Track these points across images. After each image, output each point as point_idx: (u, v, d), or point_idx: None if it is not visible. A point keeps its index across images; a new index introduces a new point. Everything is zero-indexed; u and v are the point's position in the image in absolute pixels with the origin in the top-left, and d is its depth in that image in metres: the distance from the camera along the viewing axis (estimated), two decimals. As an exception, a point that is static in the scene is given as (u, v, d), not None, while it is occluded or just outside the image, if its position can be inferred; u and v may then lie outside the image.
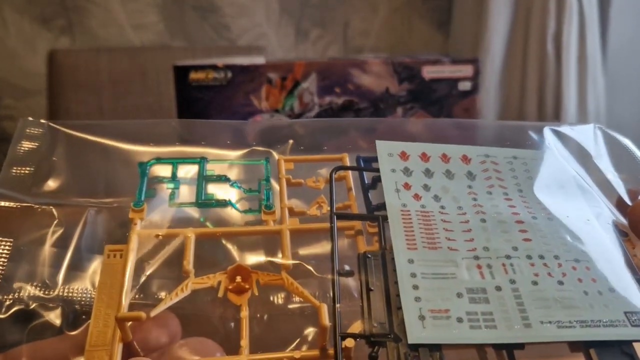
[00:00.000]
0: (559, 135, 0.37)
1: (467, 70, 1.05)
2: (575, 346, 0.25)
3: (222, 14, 1.56)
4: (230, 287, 0.29)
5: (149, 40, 1.56)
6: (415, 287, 0.26)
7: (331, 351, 0.26)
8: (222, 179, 0.33)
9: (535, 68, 1.34)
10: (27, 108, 1.54)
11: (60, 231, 0.30)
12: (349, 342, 0.26)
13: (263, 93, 1.00)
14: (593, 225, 0.31)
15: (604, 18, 1.29)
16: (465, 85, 1.05)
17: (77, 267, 0.29)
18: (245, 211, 0.32)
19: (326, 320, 0.25)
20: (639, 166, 0.36)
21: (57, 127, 0.33)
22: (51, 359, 0.26)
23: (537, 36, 1.30)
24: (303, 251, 0.30)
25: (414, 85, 1.04)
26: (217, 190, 0.33)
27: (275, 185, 0.33)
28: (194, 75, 0.99)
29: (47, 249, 0.30)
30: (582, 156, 0.36)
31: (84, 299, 0.29)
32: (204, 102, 0.99)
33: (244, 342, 0.27)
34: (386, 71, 1.04)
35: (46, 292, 0.29)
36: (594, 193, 0.33)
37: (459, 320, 0.25)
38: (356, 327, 0.27)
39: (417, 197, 0.31)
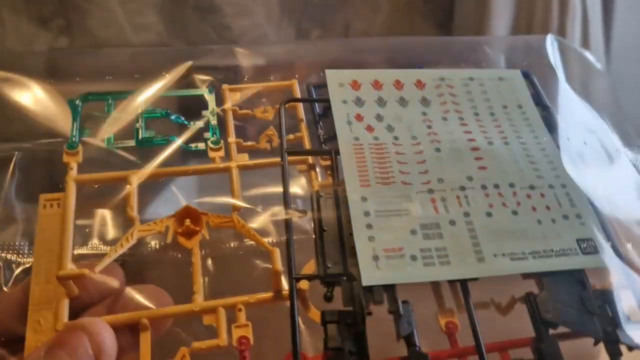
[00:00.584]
0: (516, 50, 0.36)
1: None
2: (528, 275, 0.26)
3: (223, 14, 1.46)
4: (179, 230, 0.28)
5: (148, 40, 1.46)
6: (369, 227, 0.25)
7: (285, 293, 0.25)
8: (162, 113, 0.31)
9: (538, 70, 1.29)
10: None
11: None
12: (303, 284, 0.26)
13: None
14: (548, 146, 0.30)
15: (608, 18, 1.24)
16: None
17: (7, 219, 0.27)
18: (188, 147, 0.30)
19: (279, 265, 0.25)
20: (598, 78, 0.35)
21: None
22: None
23: (539, 36, 1.26)
24: (254, 191, 0.29)
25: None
26: (158, 126, 0.31)
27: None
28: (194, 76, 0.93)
29: None
30: (540, 69, 0.35)
31: (19, 253, 0.27)
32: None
33: (197, 287, 0.26)
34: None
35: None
36: (551, 111, 0.32)
37: (413, 258, 0.25)
38: (310, 267, 0.27)
39: (369, 128, 0.29)
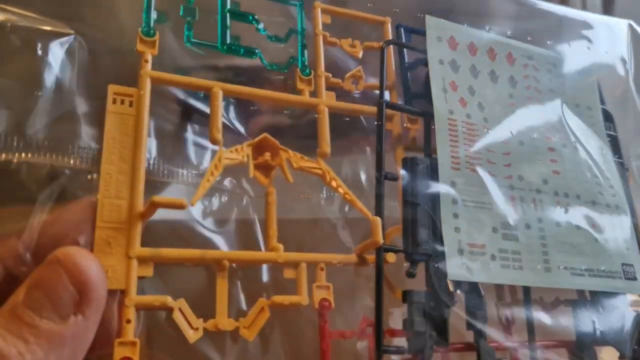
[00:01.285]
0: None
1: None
2: None
3: None
4: (255, 161, 0.25)
5: None
6: (455, 216, 0.25)
7: (369, 259, 0.25)
8: (249, 18, 0.27)
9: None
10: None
11: (40, 64, 0.22)
12: (390, 257, 0.25)
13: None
14: (607, 160, 0.31)
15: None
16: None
17: (68, 115, 0.22)
18: (271, 66, 0.27)
19: (380, 237, 0.24)
20: None
21: None
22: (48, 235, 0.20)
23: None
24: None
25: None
26: (241, 32, 0.26)
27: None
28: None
29: (23, 90, 0.22)
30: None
31: (80, 155, 0.23)
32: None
33: (272, 231, 0.24)
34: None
35: (28, 147, 0.22)
36: (612, 119, 0.33)
37: (493, 257, 0.25)
38: (391, 233, 0.26)
39: (463, 102, 0.28)
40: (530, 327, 0.26)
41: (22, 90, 0.22)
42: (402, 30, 0.30)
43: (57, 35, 0.22)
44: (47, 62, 0.22)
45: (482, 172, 0.27)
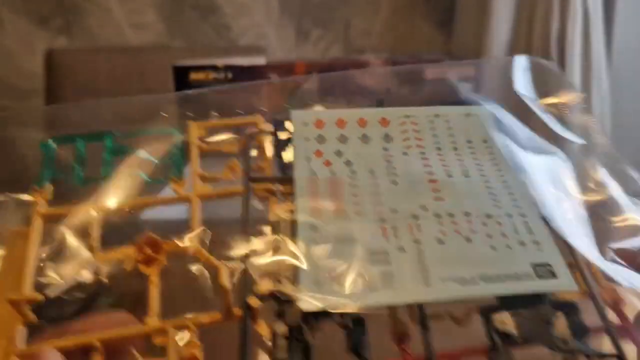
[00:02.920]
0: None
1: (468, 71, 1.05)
2: None
3: (222, 13, 1.54)
4: (139, 259, 0.28)
5: (147, 40, 1.54)
6: (314, 252, 0.26)
7: (236, 311, 0.25)
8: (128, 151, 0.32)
9: (539, 68, 1.30)
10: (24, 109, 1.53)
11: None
12: (254, 302, 0.26)
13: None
14: (510, 178, 0.30)
15: (609, 18, 1.25)
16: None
17: None
18: (154, 180, 0.32)
19: (226, 281, 0.25)
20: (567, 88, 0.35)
21: None
22: None
23: (540, 36, 1.27)
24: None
25: (416, 86, 1.04)
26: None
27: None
28: (194, 76, 0.97)
29: None
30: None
31: None
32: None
33: (152, 312, 0.26)
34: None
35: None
36: (514, 152, 0.32)
37: (354, 283, 0.25)
38: (265, 284, 0.27)
39: (327, 163, 0.30)
40: (427, 343, 0.24)
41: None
42: (273, 122, 0.33)
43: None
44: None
45: (346, 214, 0.27)
